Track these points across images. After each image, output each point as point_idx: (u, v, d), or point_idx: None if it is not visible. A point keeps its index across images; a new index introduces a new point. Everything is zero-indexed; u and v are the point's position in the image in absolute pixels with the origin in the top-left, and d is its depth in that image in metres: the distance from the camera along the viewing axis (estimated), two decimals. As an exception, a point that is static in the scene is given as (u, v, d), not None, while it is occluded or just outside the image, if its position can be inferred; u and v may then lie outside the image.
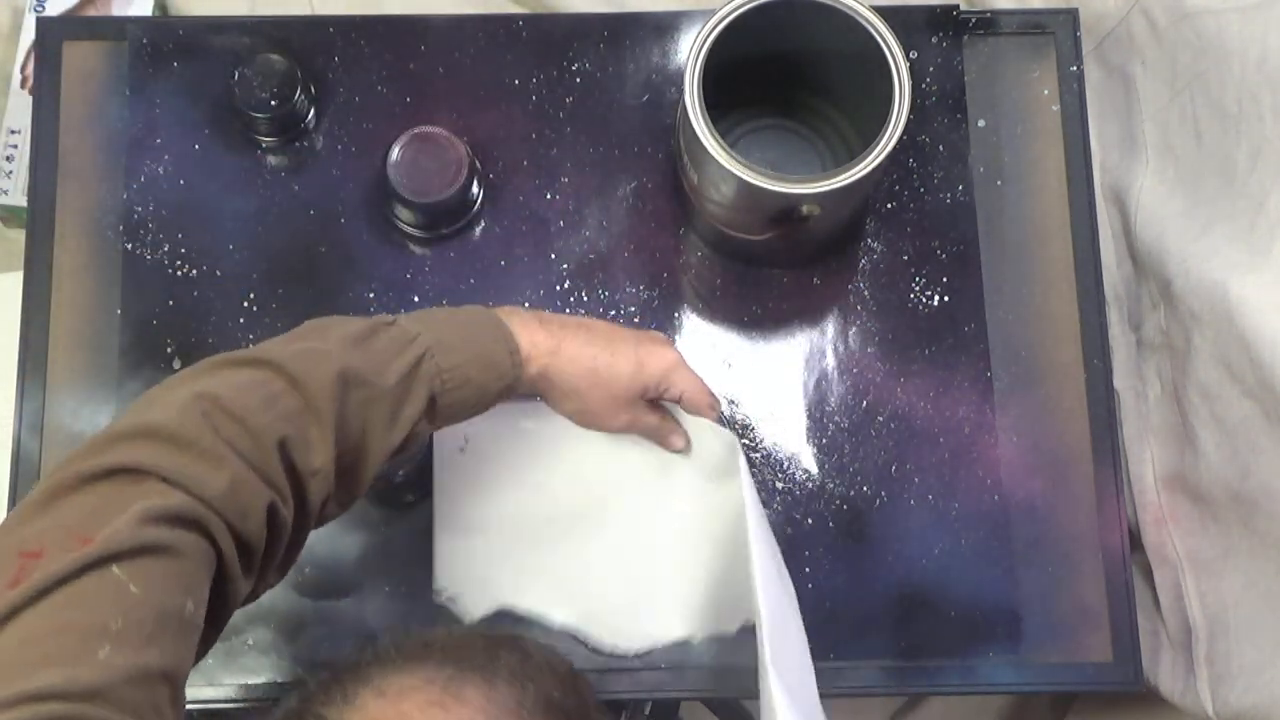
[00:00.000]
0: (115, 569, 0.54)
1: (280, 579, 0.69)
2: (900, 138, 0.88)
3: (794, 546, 0.99)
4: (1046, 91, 1.09)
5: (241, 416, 0.63)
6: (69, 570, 0.54)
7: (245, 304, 1.02)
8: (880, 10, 0.89)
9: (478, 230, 1.04)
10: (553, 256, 1.04)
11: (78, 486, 0.58)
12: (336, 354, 0.68)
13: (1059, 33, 1.09)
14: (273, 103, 1.01)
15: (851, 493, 1.01)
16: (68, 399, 1.01)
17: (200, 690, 0.95)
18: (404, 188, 0.99)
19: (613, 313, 1.03)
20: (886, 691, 1.02)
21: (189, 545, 0.58)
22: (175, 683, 0.56)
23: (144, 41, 1.06)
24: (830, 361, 1.04)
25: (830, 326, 1.04)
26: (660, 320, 1.04)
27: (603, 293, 1.04)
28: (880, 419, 1.02)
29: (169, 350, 1.01)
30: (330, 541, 0.98)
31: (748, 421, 1.02)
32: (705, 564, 0.96)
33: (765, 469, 1.01)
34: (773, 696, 0.73)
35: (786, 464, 1.01)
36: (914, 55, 1.07)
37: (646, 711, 1.10)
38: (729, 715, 1.28)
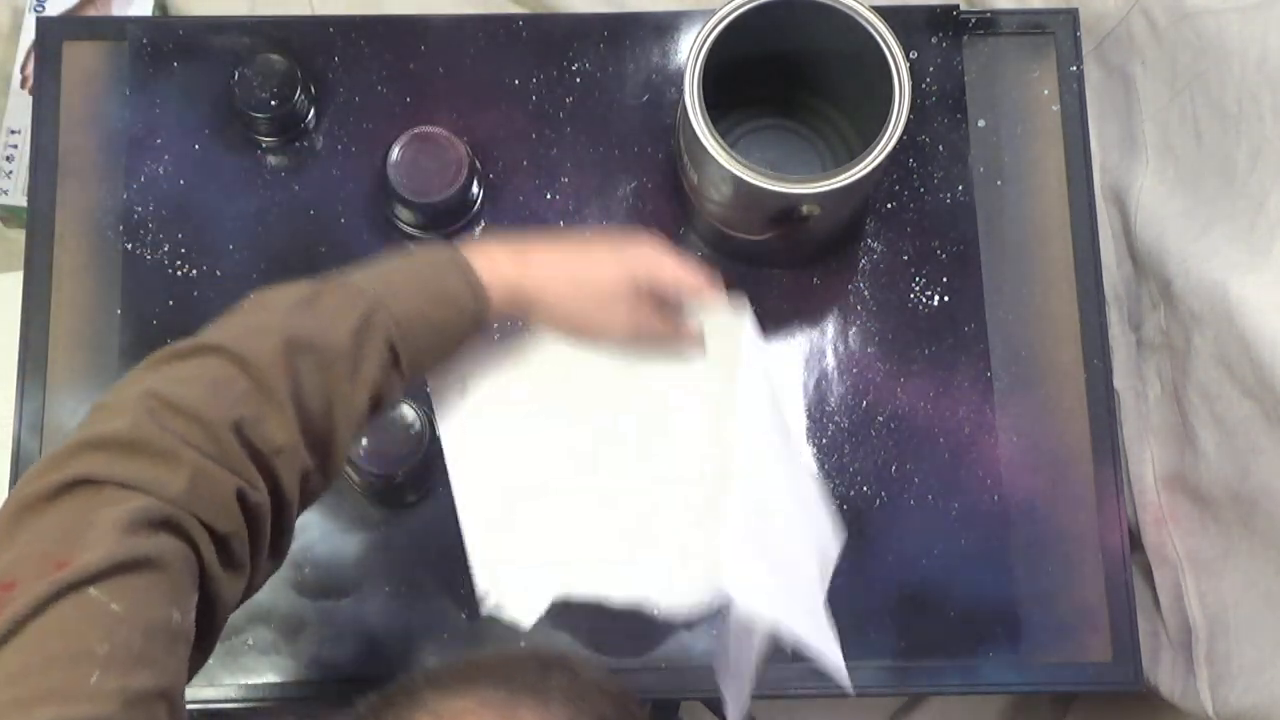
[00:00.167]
0: (93, 590, 0.53)
1: (276, 567, 0.68)
2: (900, 138, 0.88)
3: (794, 546, 0.99)
4: (1046, 91, 1.09)
5: (190, 409, 0.61)
6: (44, 598, 0.52)
7: (245, 304, 1.02)
8: (880, 10, 0.89)
9: (478, 230, 1.04)
10: (553, 256, 1.04)
11: (40, 506, 0.56)
12: (280, 324, 0.66)
13: (1059, 33, 1.09)
14: (273, 103, 1.01)
15: (851, 493, 1.01)
16: (68, 399, 1.01)
17: (200, 690, 0.95)
18: (404, 188, 0.99)
19: (613, 313, 1.03)
20: (886, 691, 1.02)
21: (166, 552, 0.57)
22: (171, 698, 0.54)
23: (144, 41, 1.06)
24: (830, 361, 1.04)
25: (830, 326, 1.04)
26: (660, 320, 1.04)
27: (603, 293, 1.04)
28: (880, 419, 1.02)
29: (169, 350, 1.01)
30: (330, 541, 0.98)
31: (748, 421, 1.02)
32: (758, 487, 0.84)
33: (765, 469, 1.01)
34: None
35: (786, 464, 1.01)
36: (914, 55, 1.07)
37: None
38: (729, 715, 1.28)
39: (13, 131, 1.30)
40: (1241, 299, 0.93)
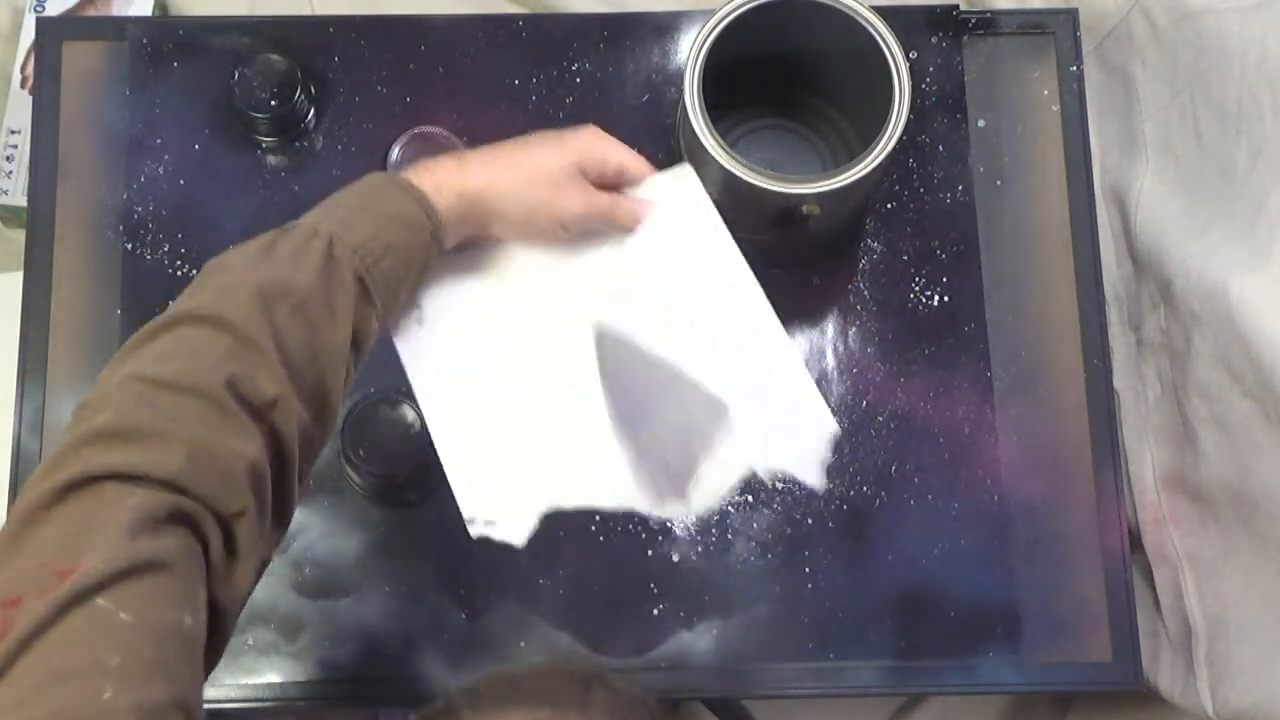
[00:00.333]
0: (100, 600, 0.51)
1: (280, 538, 0.66)
2: (900, 138, 0.88)
3: (794, 546, 0.99)
4: (1046, 91, 1.09)
5: (178, 383, 0.60)
6: (51, 612, 0.50)
7: (245, 304, 1.02)
8: (880, 10, 0.89)
9: (478, 230, 1.04)
10: (553, 256, 1.04)
11: (40, 516, 0.55)
12: (246, 279, 0.66)
13: (1059, 33, 1.09)
14: (273, 103, 1.01)
15: (851, 493, 1.01)
16: (68, 399, 1.01)
17: (200, 690, 0.95)
18: (404, 188, 0.98)
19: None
20: (886, 691, 1.02)
21: (172, 551, 0.56)
22: (188, 708, 0.53)
23: (144, 41, 1.06)
24: (830, 361, 1.04)
25: (830, 326, 1.04)
26: (660, 320, 1.03)
27: (603, 293, 1.04)
28: (880, 419, 1.02)
29: (169, 350, 1.01)
30: (330, 541, 0.98)
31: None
32: (736, 371, 0.85)
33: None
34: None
35: (786, 464, 1.01)
36: (914, 55, 1.07)
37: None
38: (729, 715, 1.28)
39: (13, 131, 1.30)
40: (1241, 299, 0.93)
